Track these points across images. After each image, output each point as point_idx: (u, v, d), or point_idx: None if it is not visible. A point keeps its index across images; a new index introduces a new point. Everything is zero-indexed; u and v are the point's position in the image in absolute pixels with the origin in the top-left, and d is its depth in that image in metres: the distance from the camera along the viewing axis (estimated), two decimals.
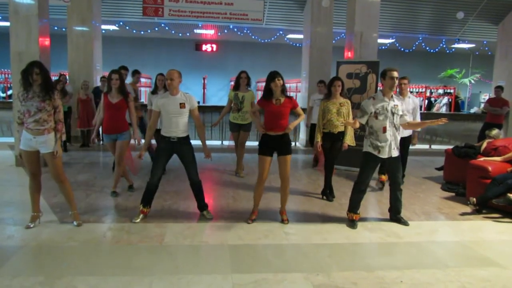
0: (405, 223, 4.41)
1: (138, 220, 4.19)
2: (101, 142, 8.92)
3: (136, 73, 6.96)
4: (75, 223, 4.04)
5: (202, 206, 4.47)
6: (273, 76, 4.10)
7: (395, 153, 4.25)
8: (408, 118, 4.32)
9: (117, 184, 5.17)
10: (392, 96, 4.24)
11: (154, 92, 6.05)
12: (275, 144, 4.16)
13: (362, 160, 4.35)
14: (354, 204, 4.36)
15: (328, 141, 5.16)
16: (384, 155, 4.21)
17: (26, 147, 3.84)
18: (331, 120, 5.08)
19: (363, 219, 4.51)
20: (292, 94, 12.12)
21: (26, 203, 4.72)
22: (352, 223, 4.32)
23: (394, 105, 4.21)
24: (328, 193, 5.30)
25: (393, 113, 4.19)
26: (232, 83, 17.95)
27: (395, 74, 4.17)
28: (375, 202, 5.27)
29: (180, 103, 4.15)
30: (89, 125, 8.60)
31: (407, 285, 3.07)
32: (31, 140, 3.80)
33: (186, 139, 4.29)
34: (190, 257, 3.47)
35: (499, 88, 8.79)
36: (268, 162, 4.19)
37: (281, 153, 4.18)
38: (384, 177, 5.85)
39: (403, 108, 4.34)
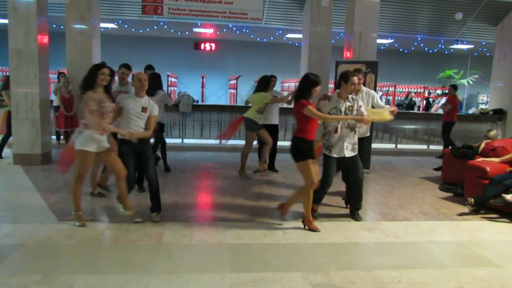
0: (357, 219, 4.48)
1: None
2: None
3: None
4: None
5: (157, 207, 4.31)
6: (317, 81, 4.00)
7: (348, 153, 4.30)
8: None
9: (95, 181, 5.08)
10: (347, 97, 4.28)
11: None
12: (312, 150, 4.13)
13: (323, 162, 4.42)
14: (316, 198, 4.35)
15: None
16: (335, 154, 4.28)
17: (95, 149, 3.92)
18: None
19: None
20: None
21: (23, 201, 4.73)
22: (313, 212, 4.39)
23: (348, 105, 4.25)
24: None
25: (346, 114, 4.22)
26: (231, 82, 17.99)
27: (356, 80, 4.24)
28: (374, 202, 5.27)
29: (143, 107, 4.08)
30: (72, 125, 8.15)
31: (405, 284, 3.07)
32: (103, 140, 3.94)
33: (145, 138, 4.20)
34: (189, 256, 3.47)
35: (450, 87, 9.14)
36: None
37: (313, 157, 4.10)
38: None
39: (361, 108, 4.31)
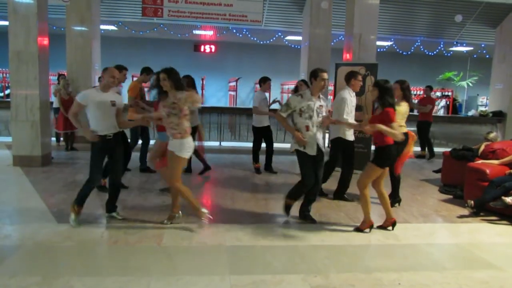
0: (313, 221, 4.40)
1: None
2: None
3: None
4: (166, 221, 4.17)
5: (115, 207, 4.34)
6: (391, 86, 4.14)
7: (319, 151, 4.31)
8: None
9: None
10: (319, 97, 4.29)
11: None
12: None
13: (298, 159, 4.37)
14: (296, 195, 4.41)
15: None
16: (312, 152, 4.25)
17: None
18: None
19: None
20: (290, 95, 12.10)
21: (23, 203, 4.72)
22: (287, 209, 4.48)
23: (320, 105, 4.26)
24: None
25: (317, 113, 4.23)
26: (231, 84, 17.99)
27: (326, 76, 4.23)
28: (373, 205, 5.24)
29: (111, 101, 4.10)
30: (71, 127, 8.08)
31: (405, 287, 3.07)
32: None
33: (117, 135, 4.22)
34: (188, 258, 3.47)
35: (427, 88, 9.25)
36: None
37: None
38: None
39: (326, 109, 4.40)
